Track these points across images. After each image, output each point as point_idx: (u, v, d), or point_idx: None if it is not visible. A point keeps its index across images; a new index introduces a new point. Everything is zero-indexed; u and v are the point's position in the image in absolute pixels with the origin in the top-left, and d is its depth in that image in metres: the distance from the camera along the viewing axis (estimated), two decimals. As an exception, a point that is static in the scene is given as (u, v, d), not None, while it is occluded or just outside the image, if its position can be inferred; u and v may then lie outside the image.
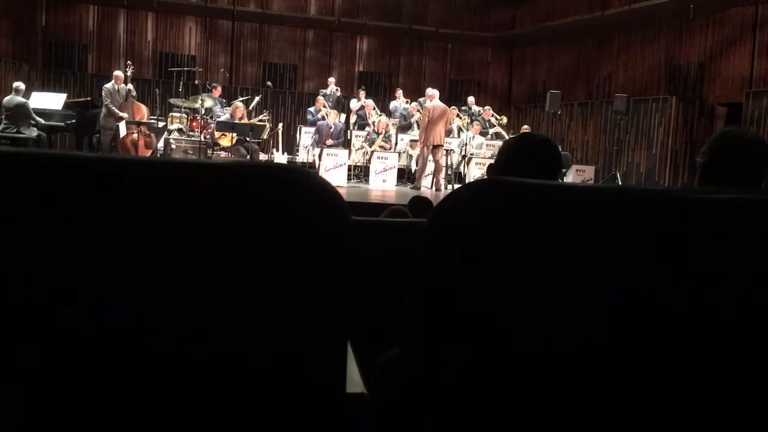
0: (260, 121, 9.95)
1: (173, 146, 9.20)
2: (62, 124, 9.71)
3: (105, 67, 13.05)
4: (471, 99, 11.91)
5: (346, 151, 9.76)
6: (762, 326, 0.70)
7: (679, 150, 10.83)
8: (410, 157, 10.43)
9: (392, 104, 11.78)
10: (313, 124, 10.33)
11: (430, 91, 9.57)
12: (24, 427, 0.65)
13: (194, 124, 9.45)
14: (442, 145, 9.25)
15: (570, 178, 10.49)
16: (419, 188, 9.22)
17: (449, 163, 9.91)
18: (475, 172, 10.02)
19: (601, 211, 0.69)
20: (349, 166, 9.95)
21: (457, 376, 0.70)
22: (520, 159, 1.73)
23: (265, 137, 10.01)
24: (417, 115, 10.41)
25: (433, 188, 9.25)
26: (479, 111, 11.48)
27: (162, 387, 0.67)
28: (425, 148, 9.18)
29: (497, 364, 0.69)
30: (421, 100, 10.60)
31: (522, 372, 0.69)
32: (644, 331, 0.69)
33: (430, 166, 9.44)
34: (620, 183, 10.24)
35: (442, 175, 9.37)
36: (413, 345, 0.76)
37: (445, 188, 9.56)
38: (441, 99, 9.63)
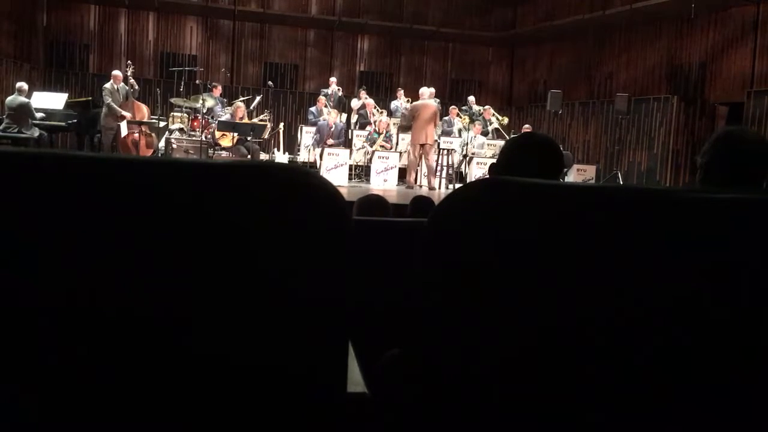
0: (261, 120, 9.95)
1: (174, 146, 9.20)
2: (63, 123, 9.72)
3: (106, 67, 13.04)
4: (471, 98, 11.89)
5: (347, 150, 9.75)
6: (763, 326, 0.70)
7: (680, 150, 10.82)
8: (411, 156, 10.43)
9: (393, 104, 11.77)
10: (314, 123, 10.32)
11: (421, 90, 9.52)
12: (23, 426, 0.65)
13: (195, 123, 9.45)
14: (432, 144, 9.18)
15: (571, 177, 10.48)
16: (412, 186, 9.20)
17: (450, 162, 9.90)
18: (476, 171, 10.01)
19: (601, 211, 0.69)
20: (350, 166, 9.94)
21: (457, 376, 0.70)
22: (521, 159, 1.73)
23: (266, 137, 10.01)
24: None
25: (427, 187, 9.21)
26: (479, 111, 11.47)
27: (162, 387, 0.67)
28: (411, 146, 9.16)
29: (497, 364, 0.69)
30: (421, 99, 10.61)
31: (521, 372, 0.69)
32: (645, 331, 0.69)
33: (425, 166, 9.41)
34: (621, 182, 10.23)
35: (435, 175, 9.34)
36: (413, 345, 0.76)
37: (446, 188, 9.55)
38: (442, 99, 9.60)
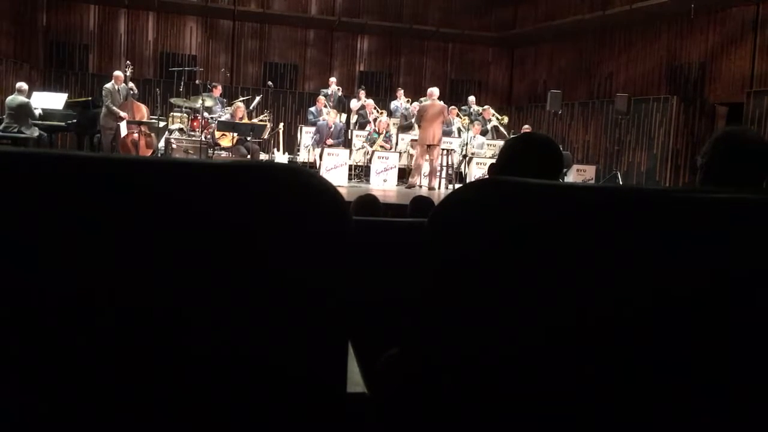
0: (261, 120, 9.96)
1: (174, 146, 9.20)
2: (63, 123, 9.72)
3: (106, 67, 13.05)
4: (471, 98, 11.91)
5: (347, 150, 9.76)
6: (762, 326, 0.70)
7: (680, 150, 10.83)
8: (411, 156, 10.43)
9: (393, 104, 11.78)
10: (313, 123, 10.33)
11: (430, 90, 9.56)
12: (23, 426, 0.65)
13: (195, 123, 9.45)
14: (438, 145, 9.19)
15: (571, 177, 10.49)
16: (413, 186, 9.21)
17: (450, 162, 9.90)
18: (476, 171, 10.02)
19: (601, 211, 0.69)
20: (350, 166, 9.95)
21: (456, 376, 0.70)
22: (521, 159, 1.73)
23: (265, 137, 10.02)
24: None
25: (427, 187, 9.22)
26: (479, 111, 11.48)
27: (162, 386, 0.67)
28: (419, 147, 9.18)
29: (497, 364, 0.69)
30: (422, 99, 10.61)
31: (521, 372, 0.69)
32: (644, 331, 0.69)
33: (427, 166, 9.41)
34: (621, 183, 10.23)
35: (435, 175, 9.35)
36: (413, 345, 0.76)
37: (446, 188, 9.55)
38: (442, 99, 9.60)
